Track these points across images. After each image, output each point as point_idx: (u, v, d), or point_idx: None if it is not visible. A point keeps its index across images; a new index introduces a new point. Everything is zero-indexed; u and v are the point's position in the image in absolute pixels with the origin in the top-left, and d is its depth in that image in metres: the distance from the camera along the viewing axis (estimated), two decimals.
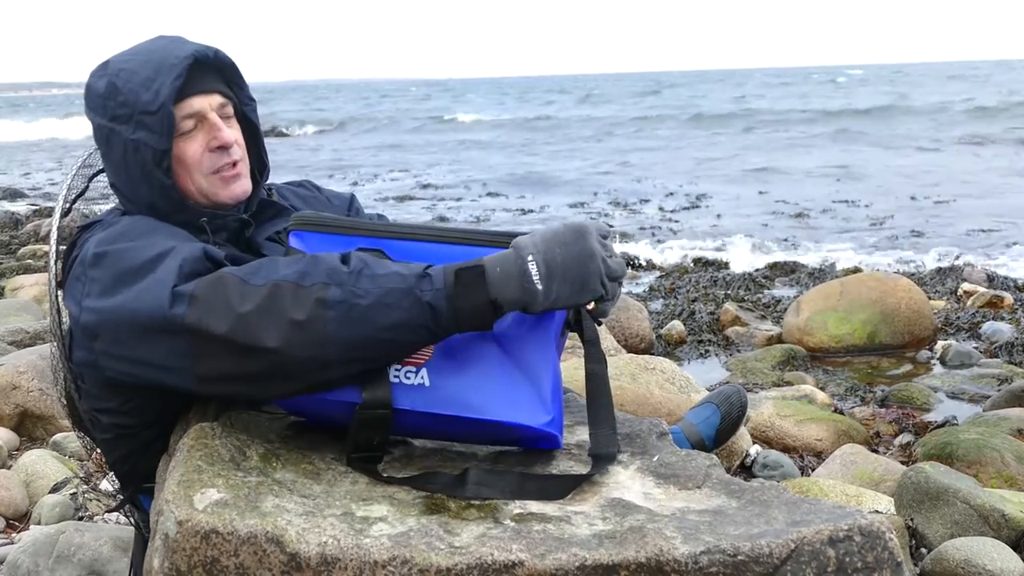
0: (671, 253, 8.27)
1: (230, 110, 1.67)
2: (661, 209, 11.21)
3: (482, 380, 1.36)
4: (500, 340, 1.37)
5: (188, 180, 1.63)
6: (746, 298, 6.21)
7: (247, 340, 1.28)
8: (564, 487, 1.36)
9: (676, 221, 10.28)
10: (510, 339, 1.37)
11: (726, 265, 7.52)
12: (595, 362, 1.45)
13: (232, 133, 1.65)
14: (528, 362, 1.37)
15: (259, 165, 1.76)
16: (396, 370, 1.37)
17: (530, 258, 1.28)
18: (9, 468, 3.21)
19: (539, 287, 1.28)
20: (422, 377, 1.37)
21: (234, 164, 1.65)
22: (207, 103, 1.61)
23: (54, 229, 2.08)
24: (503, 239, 1.38)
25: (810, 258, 7.74)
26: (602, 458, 1.44)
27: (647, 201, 11.96)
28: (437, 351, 1.36)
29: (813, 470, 3.26)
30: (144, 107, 1.54)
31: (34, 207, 11.78)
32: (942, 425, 3.69)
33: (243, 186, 1.68)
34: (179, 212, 1.61)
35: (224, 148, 1.63)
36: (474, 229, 1.42)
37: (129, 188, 1.62)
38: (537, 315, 1.35)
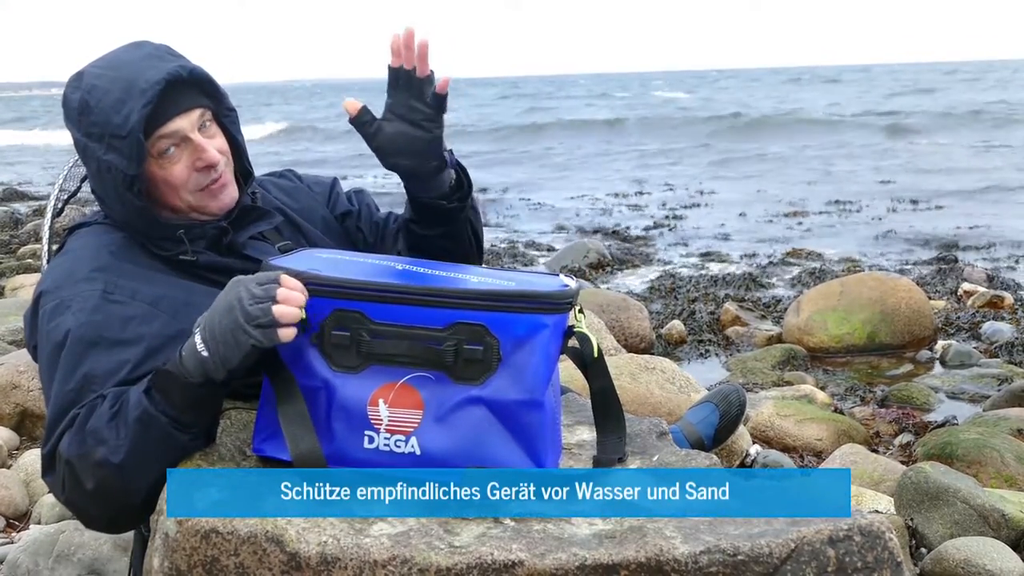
0: (671, 253, 8.27)
1: (209, 119, 1.64)
2: (664, 206, 11.22)
3: (473, 447, 1.34)
4: (489, 403, 1.34)
5: (176, 198, 1.62)
6: (746, 298, 6.20)
7: (79, 516, 1.48)
8: None
9: (681, 218, 10.28)
10: (499, 402, 1.34)
11: (727, 264, 7.52)
12: (600, 379, 1.44)
13: (215, 146, 1.63)
14: (518, 421, 1.34)
15: (242, 173, 1.74)
16: (386, 438, 1.35)
17: (197, 330, 1.35)
18: (9, 467, 3.21)
19: (205, 355, 1.33)
20: (412, 445, 1.34)
21: (219, 179, 1.64)
22: (187, 123, 1.58)
23: (46, 229, 2.09)
24: (494, 298, 1.33)
25: (810, 258, 7.74)
26: (603, 463, 1.44)
27: (649, 198, 11.97)
28: (427, 418, 1.34)
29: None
30: (114, 131, 1.52)
31: (34, 207, 11.78)
32: (942, 425, 3.69)
33: (231, 194, 1.67)
34: (153, 228, 1.61)
35: (210, 167, 1.61)
36: (458, 289, 1.34)
37: (107, 203, 1.63)
38: (521, 369, 1.33)
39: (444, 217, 1.76)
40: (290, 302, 1.30)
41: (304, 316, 1.32)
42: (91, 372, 1.45)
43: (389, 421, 1.35)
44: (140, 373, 1.45)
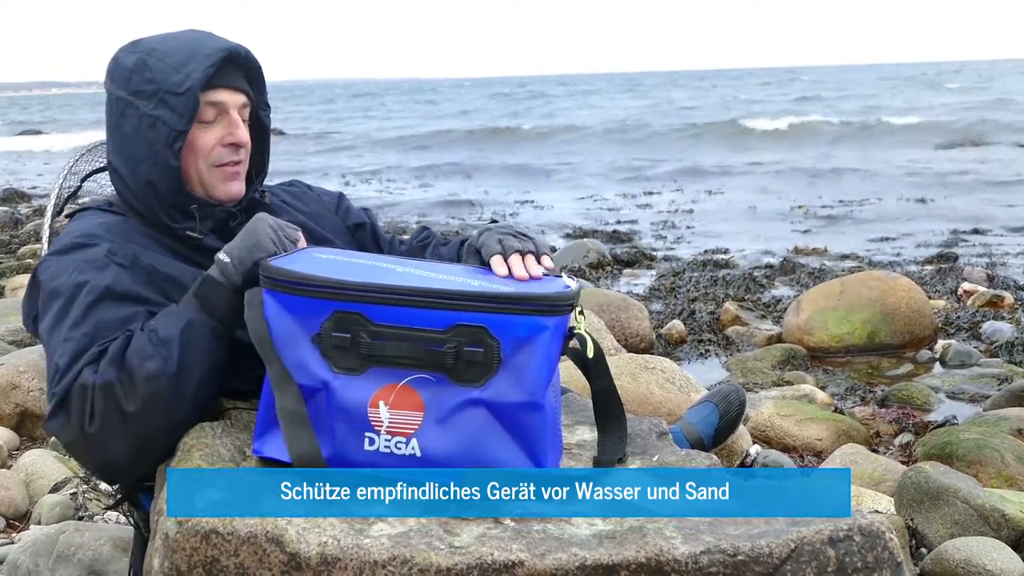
0: (672, 253, 8.27)
1: (248, 112, 1.72)
2: (666, 206, 11.23)
3: (473, 449, 1.34)
4: (490, 405, 1.34)
5: (192, 167, 1.67)
6: (746, 298, 6.20)
7: (102, 452, 1.44)
8: None
9: (682, 217, 10.29)
10: (499, 404, 1.34)
11: (727, 264, 7.52)
12: (601, 379, 1.44)
13: (246, 134, 1.70)
14: (519, 423, 1.34)
15: (259, 167, 1.81)
16: (387, 440, 1.35)
17: (224, 251, 1.50)
18: (9, 468, 3.21)
19: (227, 260, 1.48)
20: (413, 447, 1.34)
21: (237, 163, 1.70)
22: (232, 99, 1.67)
23: (46, 228, 2.10)
24: (495, 300, 1.33)
25: (810, 257, 7.74)
26: (604, 463, 1.44)
27: (650, 199, 11.97)
28: (427, 420, 1.34)
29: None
30: (171, 87, 1.58)
31: (35, 207, 11.78)
32: (942, 425, 3.69)
33: (239, 187, 1.73)
34: (175, 195, 1.65)
35: (236, 146, 1.68)
36: (459, 291, 1.34)
37: (130, 164, 1.64)
38: (522, 371, 1.33)
39: None
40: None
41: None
42: (103, 320, 1.48)
43: (390, 423, 1.35)
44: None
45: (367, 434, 1.35)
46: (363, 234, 1.99)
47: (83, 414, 1.40)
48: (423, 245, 1.98)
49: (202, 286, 1.47)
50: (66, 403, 1.42)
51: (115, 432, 1.40)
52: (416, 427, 1.34)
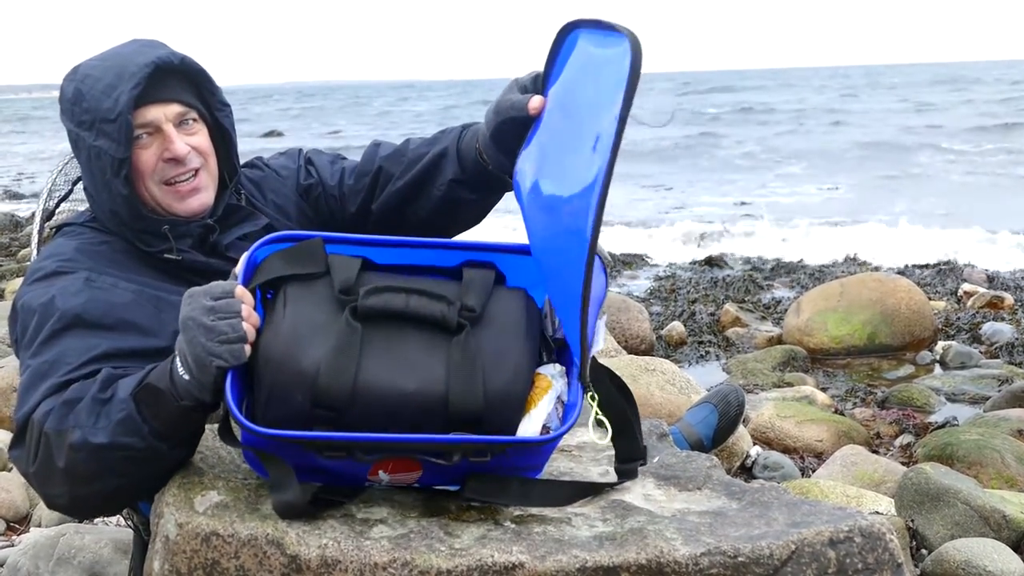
0: (672, 255, 8.27)
1: (194, 117, 1.63)
2: (665, 207, 11.24)
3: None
4: (493, 469, 1.30)
5: (143, 188, 1.61)
6: (746, 299, 6.20)
7: (41, 491, 1.42)
8: (569, 495, 1.34)
9: (682, 219, 10.29)
10: (503, 468, 1.30)
11: (727, 265, 7.52)
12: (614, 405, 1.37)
13: (187, 144, 1.60)
14: (521, 472, 1.33)
15: (230, 169, 1.72)
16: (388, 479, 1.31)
17: (176, 352, 1.28)
18: (9, 470, 3.21)
19: (187, 378, 1.26)
20: (414, 482, 1.33)
21: (195, 174, 1.62)
22: (162, 113, 1.58)
23: (34, 235, 2.09)
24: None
25: (811, 258, 7.74)
26: (625, 474, 1.40)
27: (650, 200, 11.98)
28: (427, 471, 1.29)
29: (813, 471, 3.26)
30: (104, 115, 1.53)
31: (35, 209, 11.78)
32: (942, 426, 3.69)
33: (201, 200, 1.64)
34: (138, 220, 1.60)
35: (176, 160, 1.59)
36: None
37: (95, 192, 1.62)
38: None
39: (496, 187, 1.69)
40: (252, 319, 1.26)
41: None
42: (65, 350, 1.43)
43: (390, 481, 1.32)
44: (111, 352, 1.44)
45: (367, 482, 1.33)
46: (311, 196, 1.85)
47: (30, 450, 1.38)
48: (387, 161, 1.81)
49: (150, 394, 1.30)
50: (22, 435, 1.40)
51: (51, 479, 1.37)
52: (417, 477, 1.31)
